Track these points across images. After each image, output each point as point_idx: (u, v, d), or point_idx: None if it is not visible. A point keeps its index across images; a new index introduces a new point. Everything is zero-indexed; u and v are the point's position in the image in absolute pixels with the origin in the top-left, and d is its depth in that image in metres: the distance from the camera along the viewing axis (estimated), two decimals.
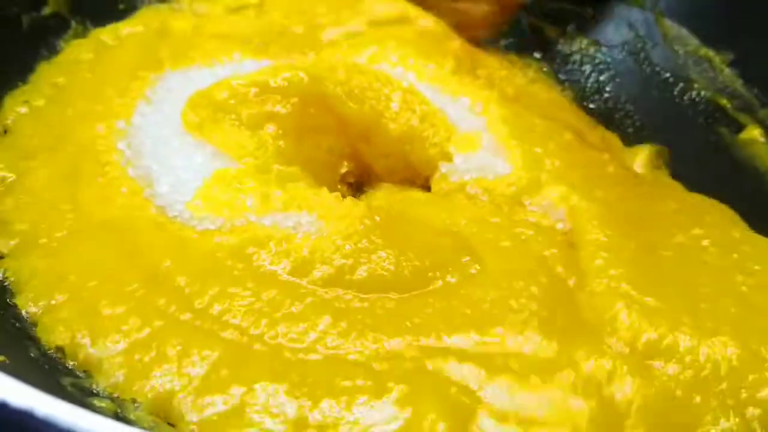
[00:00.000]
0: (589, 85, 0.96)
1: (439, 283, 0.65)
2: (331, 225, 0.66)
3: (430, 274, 0.66)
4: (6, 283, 0.63)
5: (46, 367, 0.58)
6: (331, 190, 0.71)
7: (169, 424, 0.55)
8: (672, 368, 0.62)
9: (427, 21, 0.93)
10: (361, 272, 0.64)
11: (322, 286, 0.64)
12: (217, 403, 0.56)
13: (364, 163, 0.78)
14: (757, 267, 0.70)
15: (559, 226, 0.74)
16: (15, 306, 0.62)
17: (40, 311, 0.62)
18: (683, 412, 0.60)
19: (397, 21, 0.93)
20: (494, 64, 0.95)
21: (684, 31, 0.92)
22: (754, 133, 0.86)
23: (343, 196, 0.71)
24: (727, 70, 0.89)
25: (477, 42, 0.91)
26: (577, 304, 0.66)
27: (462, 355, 0.60)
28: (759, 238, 0.75)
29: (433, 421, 0.55)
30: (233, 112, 0.74)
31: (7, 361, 0.52)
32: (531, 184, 0.76)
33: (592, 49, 0.98)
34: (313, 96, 0.76)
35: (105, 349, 0.59)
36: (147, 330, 0.59)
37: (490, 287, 0.65)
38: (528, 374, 0.59)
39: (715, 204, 0.80)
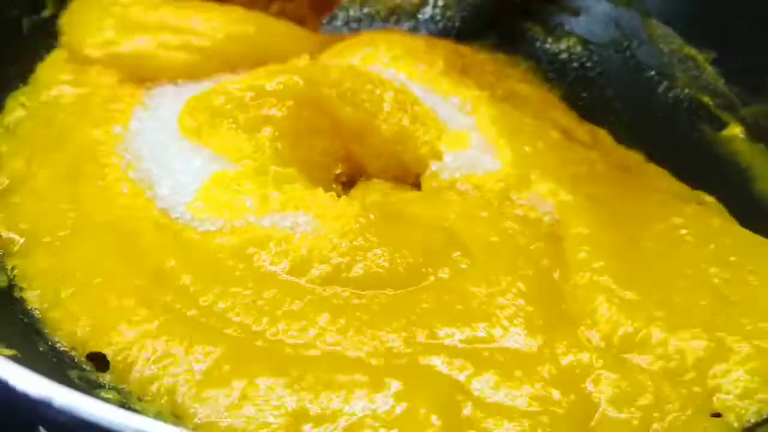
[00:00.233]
0: (576, 82, 0.97)
1: (432, 278, 0.67)
2: (327, 224, 0.68)
3: (423, 270, 0.68)
4: (13, 281, 0.65)
5: (54, 360, 0.60)
6: (326, 189, 0.72)
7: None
8: (644, 360, 0.64)
9: None
10: (358, 270, 0.66)
11: (321, 284, 0.66)
12: (219, 396, 0.58)
13: (357, 163, 0.80)
14: (732, 258, 0.72)
15: (546, 219, 0.76)
16: (23, 301, 0.64)
17: (47, 306, 0.64)
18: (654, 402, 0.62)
19: None
20: (483, 64, 0.98)
21: (669, 31, 0.94)
22: (735, 130, 0.87)
23: (338, 196, 0.73)
24: (710, 69, 0.90)
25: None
26: (561, 298, 0.69)
27: (452, 351, 0.62)
28: (738, 229, 0.77)
29: (426, 414, 0.57)
30: (230, 116, 0.76)
31: (19, 355, 0.54)
32: (519, 180, 0.78)
33: (579, 48, 0.99)
34: (307, 99, 0.78)
35: (112, 341, 0.61)
36: (156, 322, 0.61)
37: (479, 282, 0.67)
38: (513, 368, 0.62)
39: (698, 194, 0.82)
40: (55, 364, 0.60)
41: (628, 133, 0.89)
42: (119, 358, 0.60)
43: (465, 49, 0.99)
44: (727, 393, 0.62)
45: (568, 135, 0.89)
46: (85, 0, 0.89)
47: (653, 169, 0.86)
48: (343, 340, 0.62)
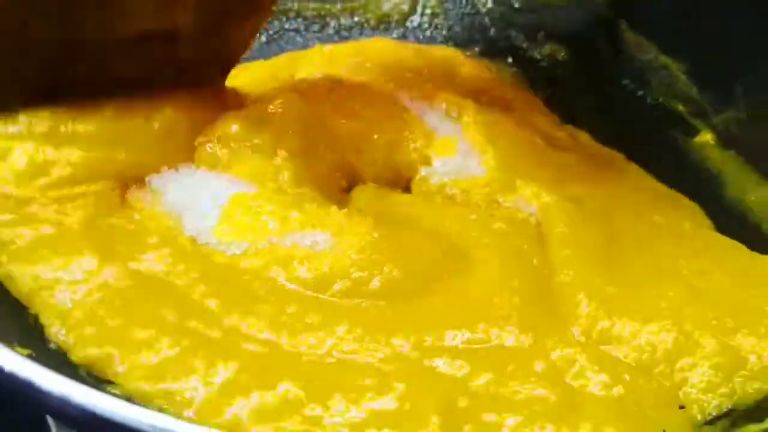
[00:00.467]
0: (558, 88, 1.00)
1: (439, 284, 0.71)
2: (344, 241, 0.70)
3: (430, 276, 0.71)
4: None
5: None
6: (335, 202, 0.76)
7: None
8: (621, 352, 0.68)
9: None
10: (375, 282, 0.69)
11: (340, 297, 0.69)
12: (237, 404, 0.60)
13: (354, 171, 0.83)
14: (705, 257, 0.77)
15: (532, 220, 0.79)
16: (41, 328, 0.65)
17: (66, 330, 0.64)
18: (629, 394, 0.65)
19: None
20: (469, 70, 1.01)
21: (644, 40, 0.97)
22: (707, 137, 0.90)
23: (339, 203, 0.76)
24: (684, 78, 0.93)
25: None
26: (549, 295, 0.72)
27: (454, 353, 0.66)
28: (711, 231, 0.81)
29: (428, 414, 0.60)
30: (244, 140, 0.77)
31: (33, 354, 0.58)
32: (504, 185, 0.81)
33: (560, 55, 1.02)
34: (307, 116, 0.80)
35: (133, 365, 0.62)
36: (178, 348, 0.63)
37: (478, 284, 0.71)
38: (506, 366, 0.65)
39: (678, 197, 0.85)
40: (66, 361, 0.62)
41: (606, 139, 0.92)
42: (139, 376, 0.62)
43: (451, 56, 1.03)
44: (692, 387, 0.66)
45: (550, 138, 0.92)
46: None
47: (634, 168, 0.89)
48: (359, 348, 0.65)
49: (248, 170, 0.76)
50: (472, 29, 1.05)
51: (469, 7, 1.05)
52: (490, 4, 1.05)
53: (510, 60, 1.03)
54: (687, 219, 0.83)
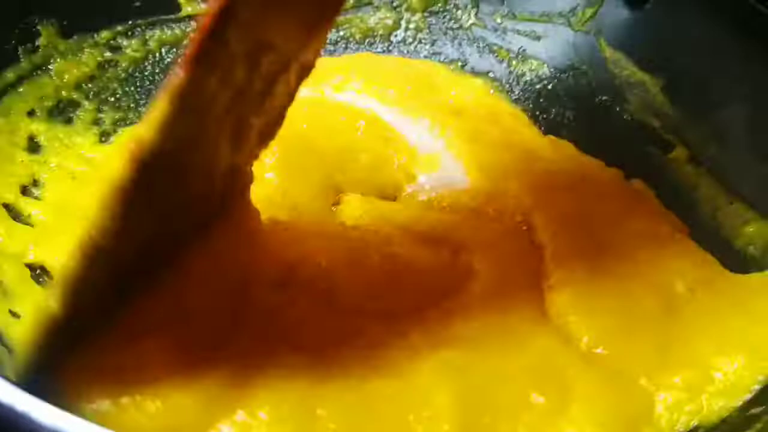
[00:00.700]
0: (539, 103, 1.02)
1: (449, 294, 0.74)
2: (359, 258, 0.73)
3: (445, 285, 0.74)
4: None
5: None
6: (329, 217, 0.78)
7: None
8: (605, 362, 0.70)
9: None
10: (395, 298, 0.72)
11: (355, 314, 0.70)
12: None
13: (341, 189, 0.84)
14: (683, 269, 0.79)
15: (524, 228, 0.82)
16: None
17: None
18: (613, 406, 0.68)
19: None
20: (452, 84, 1.02)
21: (622, 56, 0.98)
22: (680, 153, 0.91)
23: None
24: (660, 94, 0.94)
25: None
26: (542, 299, 0.75)
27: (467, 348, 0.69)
28: (687, 240, 0.83)
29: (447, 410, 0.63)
30: None
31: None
32: (489, 196, 0.84)
33: (541, 71, 1.03)
34: (290, 139, 0.79)
35: None
36: None
37: (483, 290, 0.74)
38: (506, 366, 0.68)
39: (656, 203, 0.88)
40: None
41: (585, 152, 0.94)
42: None
43: (434, 69, 1.05)
44: (663, 402, 0.68)
45: (533, 149, 0.94)
46: None
47: (614, 172, 0.91)
48: (378, 362, 0.67)
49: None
50: (456, 44, 1.06)
51: (452, 22, 1.07)
52: (473, 19, 1.06)
53: (492, 75, 1.04)
54: (663, 226, 0.85)
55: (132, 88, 0.96)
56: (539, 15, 1.03)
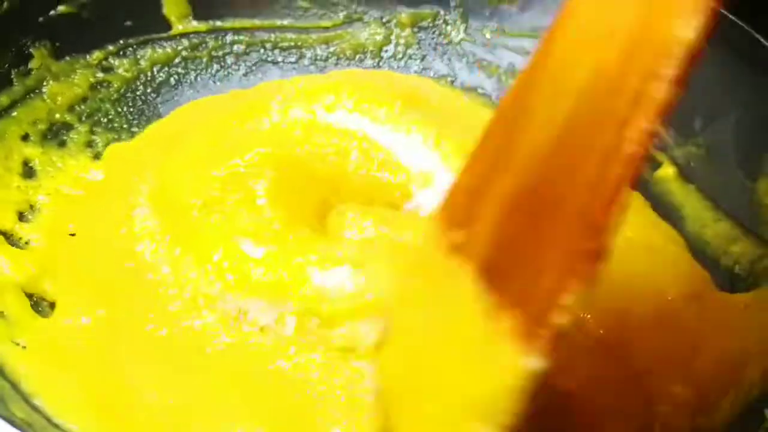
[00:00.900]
0: None
1: None
2: (368, 277, 0.73)
3: None
4: None
5: None
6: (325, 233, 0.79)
7: None
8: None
9: None
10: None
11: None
12: None
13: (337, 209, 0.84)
14: (675, 278, 0.80)
15: None
16: None
17: None
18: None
19: None
20: (441, 97, 1.03)
21: None
22: (668, 171, 0.91)
23: None
24: None
25: None
26: None
27: None
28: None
29: None
30: (225, 200, 0.79)
31: None
32: None
33: None
34: (281, 162, 0.82)
35: None
36: None
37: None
38: None
39: (650, 213, 0.89)
40: None
41: None
42: None
43: (423, 82, 1.05)
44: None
45: None
46: None
47: None
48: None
49: (243, 226, 0.77)
50: (446, 59, 1.07)
51: (441, 37, 1.08)
52: (462, 35, 1.07)
53: (482, 90, 1.05)
54: (656, 235, 0.87)
55: (124, 108, 0.96)
56: (528, 31, 1.04)
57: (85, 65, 0.95)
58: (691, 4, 0.43)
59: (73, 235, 0.82)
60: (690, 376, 0.73)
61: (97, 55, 0.96)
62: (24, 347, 0.72)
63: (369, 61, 1.07)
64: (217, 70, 1.03)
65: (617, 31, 0.48)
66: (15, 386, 0.67)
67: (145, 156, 0.90)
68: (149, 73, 0.99)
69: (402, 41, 1.08)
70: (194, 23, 1.03)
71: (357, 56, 1.07)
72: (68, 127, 0.91)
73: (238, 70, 1.04)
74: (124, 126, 0.95)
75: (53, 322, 0.75)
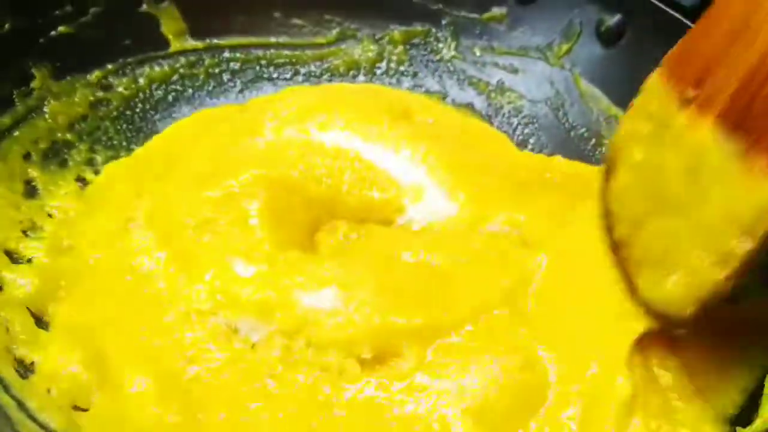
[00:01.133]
0: (517, 134, 1.05)
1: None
2: (355, 295, 0.76)
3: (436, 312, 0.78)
4: None
5: None
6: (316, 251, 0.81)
7: None
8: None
9: None
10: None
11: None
12: None
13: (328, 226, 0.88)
14: None
15: (515, 233, 0.87)
16: None
17: None
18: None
19: None
20: (431, 114, 1.04)
21: (597, 91, 1.01)
22: None
23: None
24: None
25: None
26: (525, 304, 0.80)
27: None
28: None
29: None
30: (217, 221, 0.81)
31: None
32: (477, 217, 0.88)
33: (519, 103, 1.07)
34: (275, 183, 0.84)
35: None
36: None
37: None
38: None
39: None
40: None
41: None
42: None
43: (409, 96, 1.08)
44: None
45: (514, 162, 0.98)
46: None
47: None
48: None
49: (234, 246, 0.79)
50: (437, 76, 1.10)
51: (433, 54, 1.10)
52: (453, 52, 1.09)
53: (472, 106, 1.08)
54: None
55: (123, 126, 0.99)
56: (517, 49, 1.06)
57: (84, 84, 0.97)
58: None
59: (72, 249, 0.85)
60: None
61: (96, 74, 0.98)
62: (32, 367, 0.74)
63: (362, 77, 1.10)
64: (214, 87, 1.06)
65: None
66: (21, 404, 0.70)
67: (143, 173, 0.93)
68: (147, 91, 1.02)
69: (394, 58, 1.10)
70: (191, 41, 1.05)
71: (350, 72, 1.10)
72: (69, 145, 0.94)
73: (235, 86, 1.07)
74: (123, 144, 0.98)
75: (53, 334, 0.78)
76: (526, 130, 1.05)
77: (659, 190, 0.75)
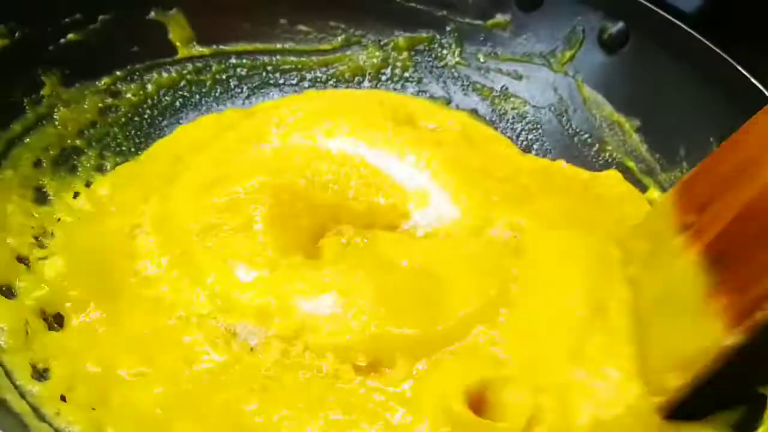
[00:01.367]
0: (521, 140, 1.06)
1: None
2: (352, 302, 0.77)
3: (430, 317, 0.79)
4: None
5: None
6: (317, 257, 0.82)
7: None
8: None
9: None
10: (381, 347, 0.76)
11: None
12: None
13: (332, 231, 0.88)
14: None
15: (516, 236, 0.88)
16: None
17: None
18: None
19: None
20: (428, 113, 1.06)
21: (600, 98, 1.02)
22: (654, 194, 0.95)
23: None
24: (635, 136, 0.99)
25: None
26: (517, 306, 0.81)
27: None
28: None
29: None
30: (222, 225, 0.82)
31: None
32: (481, 221, 0.89)
33: (522, 108, 1.08)
34: (280, 189, 0.85)
35: None
36: None
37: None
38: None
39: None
40: None
41: None
42: None
43: (410, 100, 1.09)
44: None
45: (518, 166, 0.99)
46: None
47: (604, 176, 0.96)
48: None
49: (236, 251, 0.80)
50: (441, 82, 1.11)
51: (437, 61, 1.11)
52: (457, 58, 1.10)
53: (476, 112, 1.09)
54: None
55: (132, 132, 1.00)
56: (521, 55, 1.07)
57: (94, 91, 0.98)
58: None
59: (82, 253, 0.85)
60: None
61: (105, 80, 0.99)
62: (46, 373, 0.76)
63: (367, 83, 1.11)
64: (221, 93, 1.07)
65: None
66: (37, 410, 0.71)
67: (149, 176, 0.94)
68: (155, 97, 1.03)
69: (399, 64, 1.11)
70: (198, 48, 1.06)
71: (356, 78, 1.11)
72: (79, 151, 0.95)
73: (241, 92, 1.08)
74: (132, 149, 0.99)
75: (64, 333, 0.79)
76: (530, 136, 1.06)
77: (649, 309, 0.76)
